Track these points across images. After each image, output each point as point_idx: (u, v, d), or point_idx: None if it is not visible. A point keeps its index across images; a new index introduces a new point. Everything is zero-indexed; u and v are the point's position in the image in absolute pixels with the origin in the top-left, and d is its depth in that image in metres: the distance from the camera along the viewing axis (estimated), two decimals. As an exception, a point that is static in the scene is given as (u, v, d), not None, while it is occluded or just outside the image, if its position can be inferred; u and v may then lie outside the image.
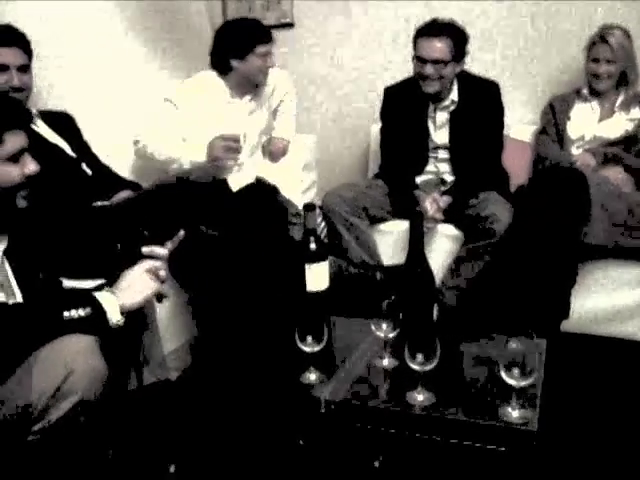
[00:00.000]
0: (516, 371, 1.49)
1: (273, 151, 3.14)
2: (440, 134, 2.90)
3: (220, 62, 2.84)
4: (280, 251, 2.49)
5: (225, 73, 2.86)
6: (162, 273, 1.68)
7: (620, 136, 2.82)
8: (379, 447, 1.63)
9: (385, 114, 3.04)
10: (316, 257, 1.80)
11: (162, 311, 2.18)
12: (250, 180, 2.88)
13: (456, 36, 2.73)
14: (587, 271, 2.59)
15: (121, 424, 1.81)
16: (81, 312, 1.52)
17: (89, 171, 2.51)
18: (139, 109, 2.96)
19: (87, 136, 2.64)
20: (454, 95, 2.85)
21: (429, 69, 2.73)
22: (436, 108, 2.88)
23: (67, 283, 1.88)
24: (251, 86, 2.90)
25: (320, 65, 3.68)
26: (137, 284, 1.63)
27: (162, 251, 1.75)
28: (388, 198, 2.94)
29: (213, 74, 2.88)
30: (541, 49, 3.25)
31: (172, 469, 1.80)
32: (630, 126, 2.82)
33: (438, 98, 2.85)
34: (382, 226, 2.95)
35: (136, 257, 1.72)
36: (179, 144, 2.77)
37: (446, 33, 2.71)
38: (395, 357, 1.75)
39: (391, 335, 1.74)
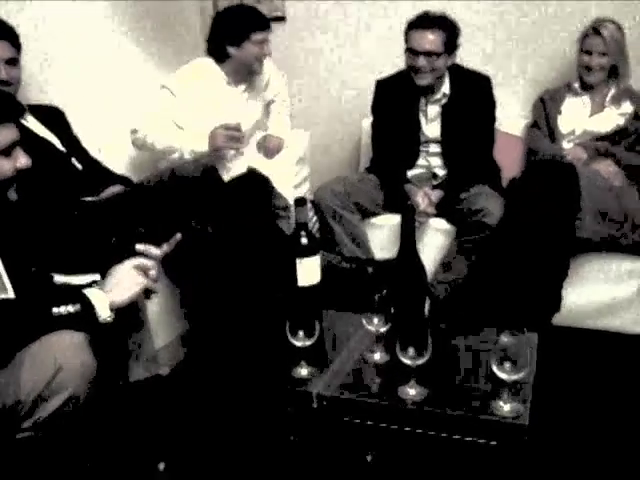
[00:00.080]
0: (507, 365, 1.50)
1: (269, 148, 3.13)
2: (431, 128, 2.90)
3: (217, 49, 2.83)
4: (271, 245, 2.48)
5: (222, 60, 2.85)
6: (152, 272, 1.67)
7: (611, 130, 2.83)
8: (371, 442, 1.63)
9: (376, 108, 3.03)
10: (307, 251, 1.80)
11: (153, 306, 2.17)
12: (242, 170, 2.88)
13: (448, 28, 2.72)
14: (578, 264, 2.60)
15: (111, 420, 1.80)
16: (70, 308, 1.51)
17: (79, 166, 2.50)
18: (129, 102, 2.95)
19: (77, 130, 2.62)
20: (446, 88, 2.85)
21: (421, 61, 2.72)
22: (428, 102, 2.88)
23: (58, 278, 1.87)
24: (247, 74, 2.89)
25: (312, 59, 3.67)
26: (125, 280, 1.62)
27: (156, 251, 1.74)
28: (380, 192, 2.94)
29: (210, 61, 2.87)
30: (532, 43, 3.25)
31: (162, 467, 1.79)
32: (621, 120, 2.83)
33: (430, 91, 2.85)
34: (374, 220, 2.95)
35: (129, 253, 1.71)
36: (179, 133, 2.76)
37: (438, 25, 2.71)
38: (387, 351, 1.75)
39: (383, 329, 1.73)
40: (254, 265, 2.39)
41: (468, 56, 2.96)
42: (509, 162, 3.00)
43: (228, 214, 2.49)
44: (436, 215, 2.81)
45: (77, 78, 2.86)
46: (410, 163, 2.95)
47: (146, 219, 2.19)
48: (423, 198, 2.77)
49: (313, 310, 1.76)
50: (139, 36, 3.22)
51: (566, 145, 2.88)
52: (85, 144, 2.63)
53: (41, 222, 1.89)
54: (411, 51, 2.75)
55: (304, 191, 3.32)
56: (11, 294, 1.63)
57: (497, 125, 2.98)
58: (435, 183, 2.90)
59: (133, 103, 2.90)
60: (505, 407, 1.53)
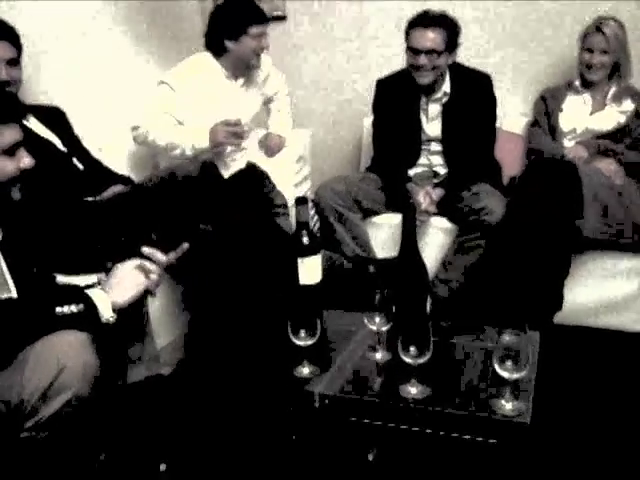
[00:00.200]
0: (509, 363, 1.50)
1: (270, 146, 3.14)
2: (432, 126, 2.90)
3: (214, 43, 2.84)
4: (271, 243, 2.48)
5: (220, 54, 2.85)
6: (153, 277, 1.67)
7: (612, 128, 2.83)
8: (373, 440, 1.63)
9: (377, 107, 3.03)
10: (309, 250, 1.80)
11: (154, 306, 2.17)
12: (241, 166, 2.88)
13: (449, 27, 2.72)
14: (580, 263, 2.60)
15: (112, 421, 1.80)
16: (73, 308, 1.52)
17: (80, 166, 2.50)
18: (130, 101, 2.95)
19: (77, 130, 2.62)
20: (446, 87, 2.85)
21: (422, 59, 2.72)
22: (428, 100, 2.88)
23: (60, 278, 1.87)
24: (245, 68, 2.89)
25: (312, 58, 3.67)
26: (126, 280, 1.63)
27: (162, 258, 1.74)
28: (381, 191, 2.94)
29: (208, 55, 2.88)
30: (533, 41, 3.25)
31: (163, 467, 1.79)
32: (622, 118, 2.82)
33: (431, 90, 2.85)
34: (375, 219, 2.95)
35: (135, 254, 1.71)
36: (180, 129, 2.76)
37: (439, 24, 2.70)
38: (388, 350, 1.75)
39: (384, 328, 1.73)
40: (255, 263, 2.39)
41: (469, 54, 2.96)
42: (510, 160, 3.00)
43: (228, 211, 2.49)
44: (437, 214, 2.81)
45: (77, 77, 2.86)
46: (411, 162, 2.94)
47: (147, 219, 2.19)
48: (424, 197, 2.77)
49: (314, 309, 1.75)
50: (140, 35, 3.23)
51: (567, 143, 2.88)
52: (85, 144, 2.63)
53: (44, 222, 1.89)
54: (412, 50, 2.75)
55: (305, 190, 3.33)
56: (14, 294, 1.63)
57: (498, 123, 2.98)
58: (436, 182, 2.89)
59: (134, 102, 2.90)
60: (507, 406, 1.53)
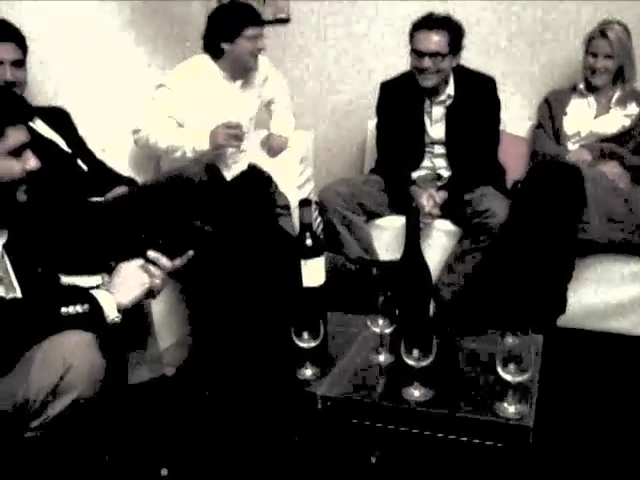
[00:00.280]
0: (512, 366, 1.49)
1: (272, 147, 3.15)
2: (436, 129, 2.90)
3: (212, 46, 2.86)
4: (275, 246, 2.48)
5: (217, 57, 2.87)
6: (156, 281, 1.68)
7: (616, 132, 2.82)
8: (375, 443, 1.63)
9: (381, 109, 3.03)
10: (312, 253, 1.80)
11: (158, 307, 2.17)
12: (243, 167, 2.89)
13: (453, 29, 2.73)
14: (584, 266, 2.59)
15: (116, 422, 1.80)
16: (79, 308, 1.52)
17: (85, 167, 2.50)
18: (134, 102, 2.96)
19: (81, 131, 2.63)
20: (450, 90, 2.85)
21: (426, 62, 2.72)
22: (432, 103, 2.88)
23: (64, 279, 1.88)
24: (242, 70, 2.90)
25: (316, 60, 3.67)
26: (130, 279, 1.63)
27: (167, 263, 1.74)
28: (384, 193, 2.94)
29: (206, 57, 2.89)
30: (538, 44, 3.25)
31: (164, 472, 1.79)
32: (626, 122, 2.82)
33: (434, 92, 2.85)
34: (378, 221, 2.95)
35: (138, 256, 1.71)
36: (181, 132, 2.77)
37: (443, 26, 2.71)
38: (391, 353, 1.75)
39: (387, 331, 1.73)
40: (258, 265, 2.39)
41: (472, 57, 2.96)
42: (514, 163, 3.00)
43: (231, 213, 2.49)
44: (441, 217, 2.81)
45: (82, 79, 2.87)
46: (415, 164, 2.95)
47: (151, 220, 2.19)
48: (428, 199, 2.77)
49: (318, 311, 1.75)
50: (144, 36, 3.24)
51: (571, 146, 2.88)
52: (89, 145, 2.64)
53: (48, 223, 1.89)
54: (416, 52, 2.75)
55: (308, 192, 3.33)
56: (19, 294, 1.64)
57: (502, 126, 2.98)
58: (440, 184, 2.89)
59: (138, 103, 2.91)
60: (510, 409, 1.52)
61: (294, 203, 2.88)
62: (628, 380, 2.32)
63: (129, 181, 2.59)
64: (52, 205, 2.02)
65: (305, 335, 1.68)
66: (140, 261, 1.67)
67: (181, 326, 2.45)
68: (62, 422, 1.46)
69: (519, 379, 1.50)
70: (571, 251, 2.53)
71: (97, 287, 1.64)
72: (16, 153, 1.59)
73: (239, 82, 2.94)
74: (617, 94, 2.84)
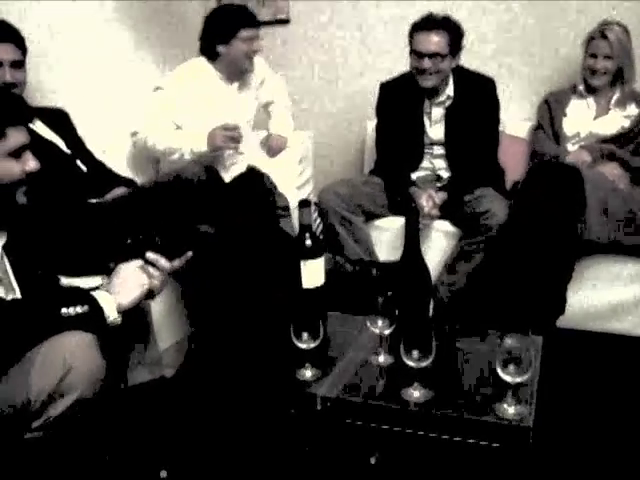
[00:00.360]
0: (512, 367, 1.49)
1: (272, 147, 3.15)
2: (435, 130, 2.90)
3: (208, 48, 2.86)
4: (273, 245, 2.48)
5: (213, 59, 2.87)
6: (156, 282, 1.68)
7: (616, 133, 2.82)
8: (375, 444, 1.63)
9: (380, 110, 3.03)
10: (312, 253, 1.80)
11: (157, 308, 2.17)
12: (242, 169, 2.89)
13: (452, 30, 2.73)
14: (583, 267, 2.59)
15: (113, 424, 1.80)
16: (79, 309, 1.52)
17: (84, 168, 2.50)
18: (133, 103, 2.96)
19: (81, 132, 2.63)
20: (450, 90, 2.85)
21: (426, 63, 2.72)
22: (432, 104, 2.88)
23: (64, 281, 1.88)
24: (238, 72, 2.91)
25: (316, 61, 3.67)
26: (129, 280, 1.63)
27: (166, 264, 1.74)
28: (384, 194, 2.94)
29: (203, 60, 2.90)
30: (537, 45, 3.25)
31: (163, 474, 1.79)
32: (626, 123, 2.82)
33: (434, 93, 2.85)
34: (378, 222, 2.95)
35: (138, 257, 1.71)
36: (178, 134, 2.78)
37: (442, 27, 2.71)
38: (391, 354, 1.75)
39: (387, 332, 1.73)
40: (257, 266, 2.39)
41: (472, 58, 2.96)
42: (513, 164, 3.00)
43: (230, 215, 2.49)
44: (440, 217, 2.81)
45: (81, 80, 2.87)
46: (414, 165, 2.95)
47: (150, 221, 2.19)
48: (427, 200, 2.77)
49: (317, 312, 1.75)
50: (145, 37, 3.23)
51: (571, 147, 2.88)
52: (88, 146, 2.64)
53: (47, 224, 1.89)
54: (416, 53, 2.75)
55: (307, 193, 3.33)
56: (18, 295, 1.64)
57: (501, 127, 2.98)
58: (439, 185, 2.89)
59: (137, 105, 2.91)
60: (509, 410, 1.52)
61: (293, 204, 2.88)
62: (628, 381, 2.32)
63: (128, 182, 2.59)
64: (51, 206, 2.02)
65: (305, 336, 1.67)
66: (139, 262, 1.67)
67: (181, 327, 2.45)
68: (63, 423, 1.46)
69: (519, 380, 1.50)
70: (571, 252, 2.53)
71: (97, 288, 1.64)
72: (16, 154, 1.59)
73: (236, 84, 2.94)
74: (616, 95, 2.85)
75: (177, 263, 1.77)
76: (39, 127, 2.42)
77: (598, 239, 2.52)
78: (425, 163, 2.95)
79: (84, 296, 1.56)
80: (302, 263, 1.79)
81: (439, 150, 2.92)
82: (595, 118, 2.88)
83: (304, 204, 1.81)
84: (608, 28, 2.76)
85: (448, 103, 2.86)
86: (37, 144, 1.90)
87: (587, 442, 1.97)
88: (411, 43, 2.77)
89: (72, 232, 2.04)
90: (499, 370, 1.51)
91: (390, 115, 2.97)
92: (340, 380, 1.71)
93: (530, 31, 3.24)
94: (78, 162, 2.49)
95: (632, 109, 2.83)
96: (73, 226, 2.09)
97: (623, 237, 2.54)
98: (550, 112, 2.96)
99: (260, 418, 1.72)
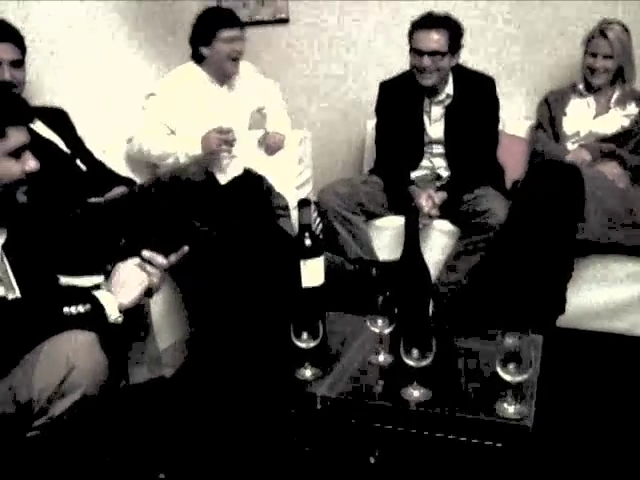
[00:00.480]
0: (512, 367, 1.49)
1: (270, 145, 3.14)
2: (435, 128, 2.90)
3: (194, 51, 2.88)
4: (273, 245, 2.48)
5: (200, 62, 2.88)
6: (154, 280, 1.68)
7: (616, 132, 2.82)
8: (375, 443, 1.62)
9: (380, 109, 3.03)
10: (311, 253, 1.79)
11: (157, 307, 2.17)
12: (237, 172, 2.89)
13: (452, 28, 2.73)
14: (583, 266, 2.59)
15: (112, 424, 1.80)
16: (80, 308, 1.52)
17: (83, 167, 2.50)
18: (133, 103, 2.96)
19: (80, 132, 2.63)
20: (449, 89, 2.85)
21: (426, 61, 2.72)
22: (431, 102, 2.88)
23: (63, 280, 1.87)
24: (222, 74, 2.90)
25: (315, 60, 3.67)
26: (129, 279, 1.63)
27: (162, 261, 1.74)
28: (383, 194, 2.93)
29: (192, 64, 2.91)
30: (537, 43, 3.25)
31: (162, 477, 1.78)
32: (626, 122, 2.82)
33: (434, 92, 2.85)
34: (378, 222, 2.95)
35: (135, 256, 1.71)
36: (173, 138, 2.79)
37: (442, 25, 2.71)
38: (390, 353, 1.75)
39: (387, 331, 1.73)
40: (257, 266, 2.39)
41: (472, 56, 2.96)
42: (513, 163, 3.00)
43: (228, 216, 2.49)
44: (440, 217, 2.81)
45: (81, 80, 2.87)
46: (414, 164, 2.94)
47: (149, 221, 2.19)
48: (427, 200, 2.77)
49: (317, 311, 1.75)
50: (144, 37, 3.24)
51: (571, 146, 2.88)
52: (89, 145, 2.64)
53: (47, 223, 1.89)
54: (416, 51, 2.75)
55: (307, 192, 3.32)
56: (18, 295, 1.64)
57: (501, 126, 2.98)
58: (439, 184, 2.89)
59: (136, 105, 2.91)
60: (509, 409, 1.52)
61: (293, 203, 2.88)
62: (628, 380, 2.32)
63: (128, 181, 2.59)
64: (51, 206, 2.02)
65: (304, 335, 1.67)
66: (136, 260, 1.67)
67: (180, 327, 2.45)
68: (65, 421, 1.46)
69: (519, 379, 1.50)
70: (570, 251, 2.52)
71: (97, 287, 1.64)
72: (16, 154, 1.59)
73: (225, 86, 2.95)
74: (616, 94, 2.84)
75: (173, 258, 1.77)
76: (39, 127, 2.42)
77: (597, 238, 2.52)
78: (425, 162, 2.95)
79: (86, 295, 1.56)
80: (302, 262, 1.78)
81: (439, 149, 2.92)
82: (595, 117, 2.88)
83: (304, 203, 1.81)
84: (608, 27, 2.76)
85: (448, 102, 2.86)
86: (37, 143, 1.90)
87: (587, 441, 1.97)
88: (411, 41, 2.77)
89: (71, 231, 2.04)
90: (499, 369, 1.51)
91: (390, 114, 2.97)
92: (340, 379, 1.71)
93: (530, 29, 3.24)
94: (78, 161, 2.49)
95: (632, 108, 2.83)
96: (72, 225, 2.09)
97: (622, 236, 2.54)
98: (550, 111, 2.96)
99: (260, 418, 1.71)
